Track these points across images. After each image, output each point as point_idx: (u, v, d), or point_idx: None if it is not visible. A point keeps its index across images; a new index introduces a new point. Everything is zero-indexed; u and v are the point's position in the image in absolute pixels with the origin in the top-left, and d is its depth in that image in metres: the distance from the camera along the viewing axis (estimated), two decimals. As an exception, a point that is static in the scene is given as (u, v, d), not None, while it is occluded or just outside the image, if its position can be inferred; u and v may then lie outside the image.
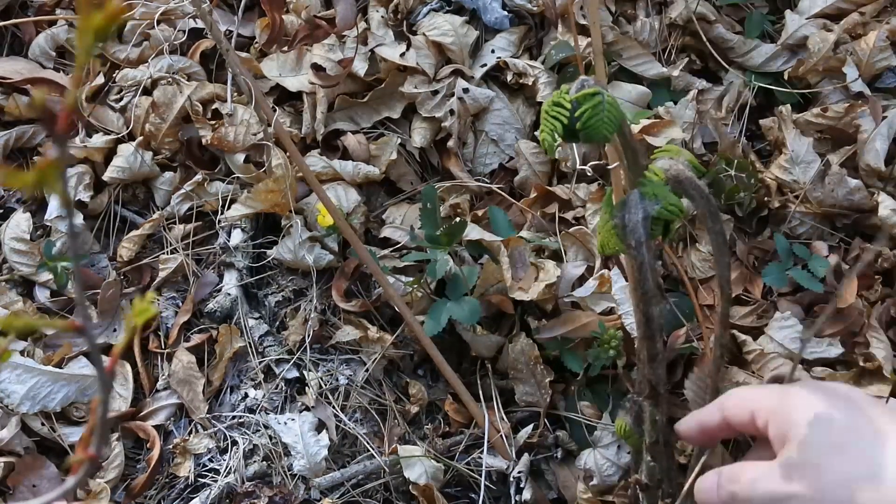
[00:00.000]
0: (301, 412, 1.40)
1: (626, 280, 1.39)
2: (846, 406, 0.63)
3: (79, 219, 1.50)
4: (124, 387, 1.43)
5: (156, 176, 1.55)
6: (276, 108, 1.55)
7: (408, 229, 1.51)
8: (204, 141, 1.53)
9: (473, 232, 1.43)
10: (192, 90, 1.55)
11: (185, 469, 1.38)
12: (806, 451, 0.62)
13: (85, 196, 1.52)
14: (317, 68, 1.57)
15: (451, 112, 1.54)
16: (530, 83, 1.56)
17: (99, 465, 1.36)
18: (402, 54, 1.56)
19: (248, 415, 1.41)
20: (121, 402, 1.42)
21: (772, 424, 0.66)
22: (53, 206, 1.50)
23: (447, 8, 1.62)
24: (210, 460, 1.38)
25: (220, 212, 1.51)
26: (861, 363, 1.35)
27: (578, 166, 1.42)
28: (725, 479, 0.70)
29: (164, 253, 1.52)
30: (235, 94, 1.55)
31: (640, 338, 0.70)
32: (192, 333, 1.47)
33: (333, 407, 1.41)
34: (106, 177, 1.52)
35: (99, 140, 1.54)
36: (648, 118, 1.50)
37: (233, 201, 1.51)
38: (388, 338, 1.43)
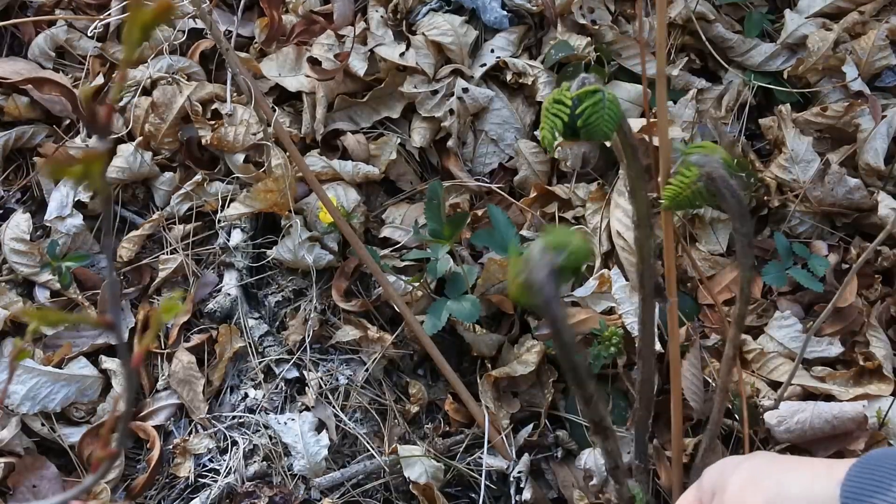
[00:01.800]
0: (301, 412, 1.40)
1: (626, 280, 1.39)
2: (762, 459, 0.73)
3: (78, 219, 1.50)
4: (124, 386, 1.43)
5: (155, 176, 1.55)
6: (276, 107, 1.55)
7: (407, 229, 1.51)
8: (203, 141, 1.53)
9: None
10: (191, 90, 1.55)
11: (186, 469, 1.38)
12: (729, 495, 0.72)
13: (84, 196, 1.51)
14: (313, 62, 1.56)
15: (451, 112, 1.54)
16: (530, 83, 1.56)
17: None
18: (402, 54, 1.56)
19: (248, 415, 1.41)
20: (121, 401, 1.42)
21: (716, 499, 0.75)
22: (53, 207, 1.50)
23: (447, 7, 1.62)
24: (210, 460, 1.38)
25: (219, 212, 1.51)
26: (861, 362, 1.35)
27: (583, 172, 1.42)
28: None
29: (163, 253, 1.52)
30: (235, 94, 1.55)
31: (570, 382, 0.71)
32: (191, 333, 1.47)
33: (333, 407, 1.41)
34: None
35: (97, 141, 1.53)
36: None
37: (232, 201, 1.51)
38: (387, 337, 1.43)
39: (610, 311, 1.40)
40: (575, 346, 0.65)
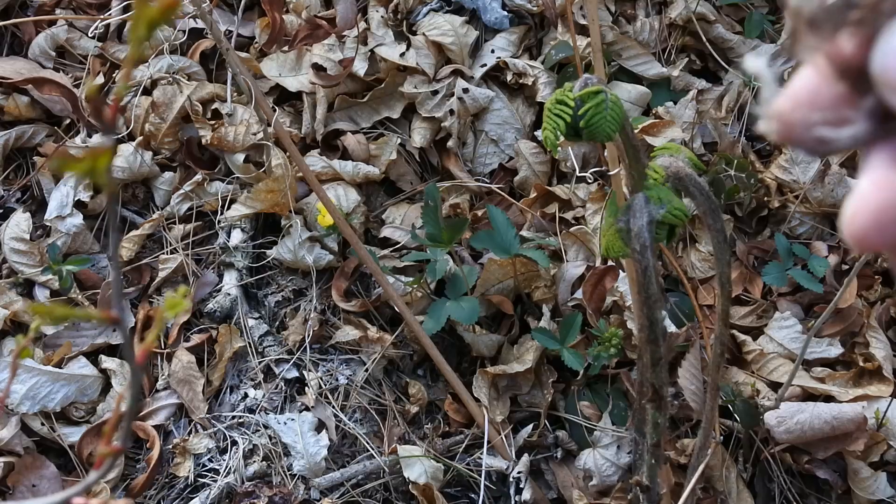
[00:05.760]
0: (301, 412, 1.40)
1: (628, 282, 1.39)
2: None
3: (78, 218, 1.50)
4: (124, 386, 1.43)
5: (155, 176, 1.55)
6: (276, 107, 1.55)
7: (407, 229, 1.51)
8: (204, 141, 1.53)
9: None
10: (191, 90, 1.55)
11: (185, 469, 1.37)
12: None
13: (85, 196, 1.51)
14: (317, 68, 1.57)
15: (451, 112, 1.54)
16: (530, 83, 1.56)
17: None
18: (402, 54, 1.56)
19: (247, 415, 1.41)
20: (124, 398, 1.42)
21: None
22: (53, 206, 1.50)
23: (447, 8, 1.62)
24: (210, 460, 1.38)
25: (219, 212, 1.51)
26: (861, 363, 1.35)
27: (578, 173, 1.42)
28: None
29: (163, 253, 1.52)
30: (235, 93, 1.55)
31: (643, 341, 0.70)
32: (191, 333, 1.47)
33: (333, 407, 1.41)
34: (106, 177, 1.52)
35: (99, 139, 1.54)
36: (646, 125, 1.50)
37: (232, 201, 1.51)
38: (387, 338, 1.43)
39: (610, 311, 1.41)
40: (660, 300, 0.65)
